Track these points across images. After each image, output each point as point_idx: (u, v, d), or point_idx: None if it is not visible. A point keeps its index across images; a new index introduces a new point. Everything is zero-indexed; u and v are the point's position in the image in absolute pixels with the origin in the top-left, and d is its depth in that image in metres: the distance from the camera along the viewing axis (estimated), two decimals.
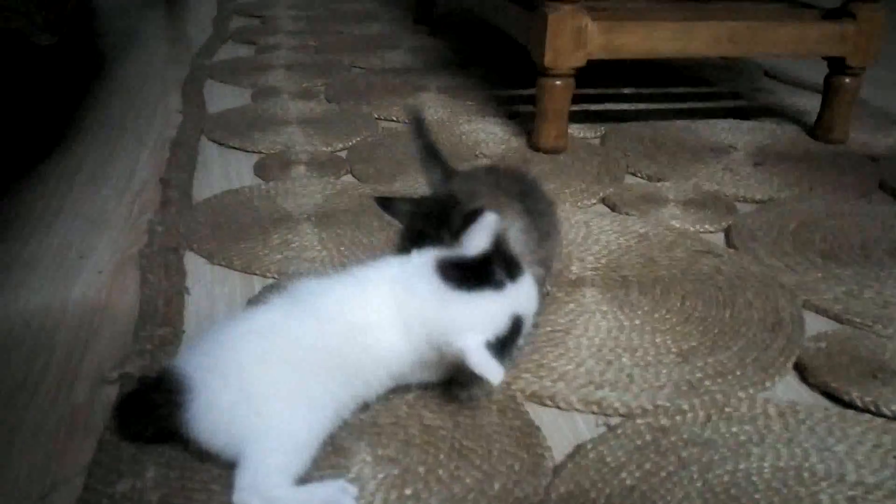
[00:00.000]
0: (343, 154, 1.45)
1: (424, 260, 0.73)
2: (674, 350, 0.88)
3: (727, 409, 0.79)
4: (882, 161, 1.48)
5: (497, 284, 0.70)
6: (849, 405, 0.81)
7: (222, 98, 1.76)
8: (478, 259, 0.70)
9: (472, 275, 0.69)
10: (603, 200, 1.28)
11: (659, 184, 1.35)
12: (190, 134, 1.53)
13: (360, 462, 0.71)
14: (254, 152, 1.45)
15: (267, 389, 0.67)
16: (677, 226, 1.19)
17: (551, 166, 1.40)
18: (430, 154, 0.99)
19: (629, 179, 1.38)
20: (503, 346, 0.70)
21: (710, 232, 1.18)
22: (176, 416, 0.68)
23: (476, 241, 0.69)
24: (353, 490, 0.68)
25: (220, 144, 1.48)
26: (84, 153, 1.45)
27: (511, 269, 0.72)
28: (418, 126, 1.01)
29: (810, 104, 1.72)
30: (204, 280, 1.02)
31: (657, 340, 0.90)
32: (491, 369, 0.68)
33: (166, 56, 2.20)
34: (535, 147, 1.47)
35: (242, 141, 1.48)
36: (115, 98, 1.78)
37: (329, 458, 0.71)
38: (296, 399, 0.68)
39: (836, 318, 0.96)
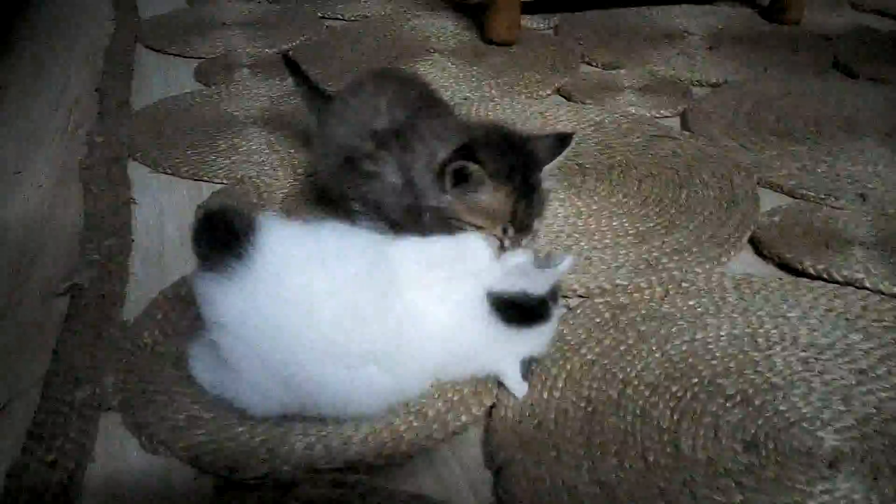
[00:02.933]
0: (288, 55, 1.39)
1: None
2: (631, 232, 0.89)
3: (684, 285, 0.80)
4: (836, 40, 1.47)
5: (548, 316, 0.67)
6: (802, 274, 0.83)
7: (155, 3, 1.66)
8: (538, 298, 0.66)
9: (529, 313, 0.66)
10: (558, 91, 1.25)
11: (615, 72, 1.32)
12: (124, 41, 1.44)
13: None
14: (193, 58, 1.37)
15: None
16: (634, 112, 1.17)
17: (504, 58, 1.36)
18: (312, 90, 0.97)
19: (584, 69, 1.35)
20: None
21: (667, 117, 1.17)
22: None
23: (545, 279, 0.65)
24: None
25: (157, 51, 1.40)
26: (13, 66, 1.37)
27: (557, 297, 0.68)
28: (294, 68, 1.00)
29: None
30: (150, 189, 0.98)
31: (615, 224, 0.90)
32: (520, 389, 0.68)
33: None
34: (486, 39, 1.42)
35: (181, 46, 1.41)
36: (42, 8, 1.67)
37: None
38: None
39: (790, 193, 0.97)
